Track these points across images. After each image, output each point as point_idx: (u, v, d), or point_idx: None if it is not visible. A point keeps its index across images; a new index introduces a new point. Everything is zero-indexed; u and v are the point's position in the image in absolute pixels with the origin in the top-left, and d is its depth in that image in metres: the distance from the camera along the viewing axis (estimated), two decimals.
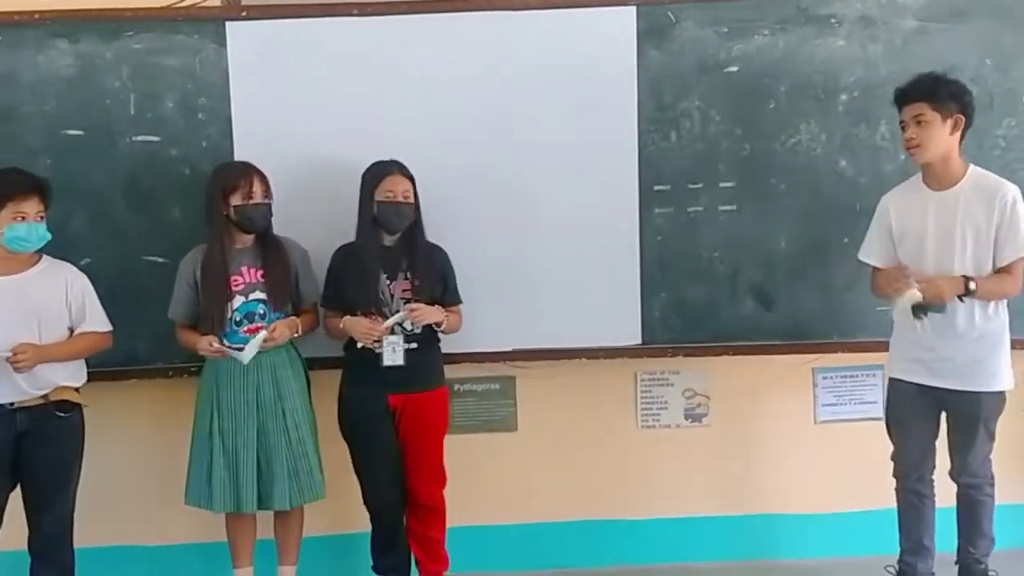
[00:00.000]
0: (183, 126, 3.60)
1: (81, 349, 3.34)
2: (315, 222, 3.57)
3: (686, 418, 3.99)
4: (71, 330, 3.32)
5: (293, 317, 3.44)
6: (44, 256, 3.34)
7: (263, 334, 3.34)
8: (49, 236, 3.28)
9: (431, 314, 3.40)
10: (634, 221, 3.69)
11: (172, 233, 3.62)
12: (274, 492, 3.41)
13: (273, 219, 3.45)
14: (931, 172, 3.32)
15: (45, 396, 3.27)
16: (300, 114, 3.61)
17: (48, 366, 3.23)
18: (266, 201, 3.40)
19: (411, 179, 3.44)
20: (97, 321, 3.36)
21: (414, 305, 3.38)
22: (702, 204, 3.71)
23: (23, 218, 3.20)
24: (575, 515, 4.00)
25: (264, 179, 3.42)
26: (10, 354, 3.12)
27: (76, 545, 3.46)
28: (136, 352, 3.66)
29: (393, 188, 3.40)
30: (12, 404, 3.23)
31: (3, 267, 3.25)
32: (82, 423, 3.40)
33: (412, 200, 3.43)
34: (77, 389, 3.36)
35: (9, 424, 3.24)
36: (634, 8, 3.60)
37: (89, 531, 3.63)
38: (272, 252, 3.43)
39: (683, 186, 3.68)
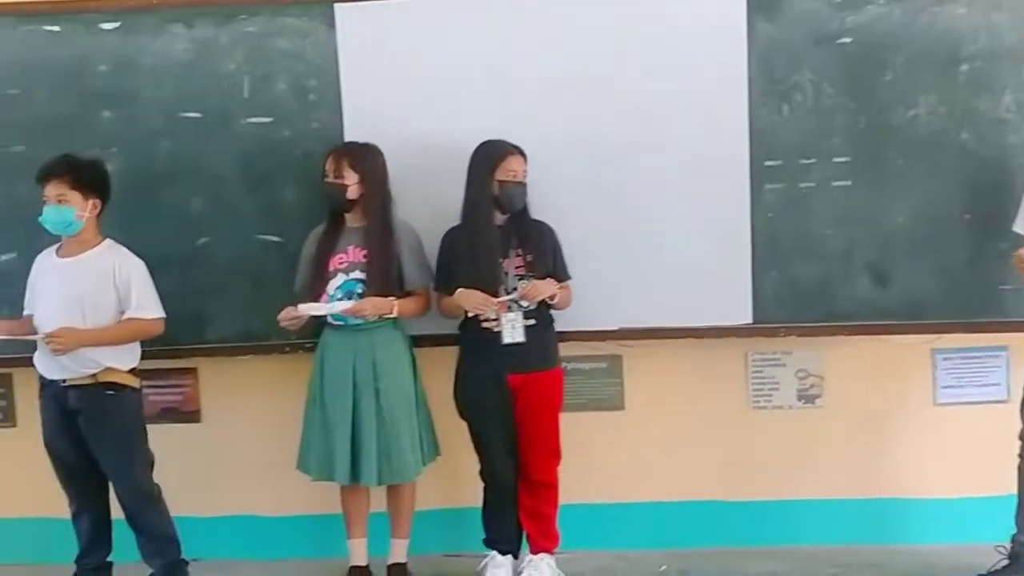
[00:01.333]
0: (294, 108, 3.67)
1: (125, 335, 3.38)
2: (425, 203, 3.59)
3: (799, 399, 3.91)
4: (121, 314, 3.38)
5: (391, 298, 3.45)
6: (106, 240, 3.41)
7: (348, 303, 3.39)
8: (70, 219, 3.31)
9: (545, 288, 3.42)
10: (745, 197, 3.62)
11: (285, 213, 3.71)
12: (363, 468, 3.46)
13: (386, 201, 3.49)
14: None
15: (94, 376, 3.35)
16: (409, 94, 3.64)
17: (94, 348, 3.31)
18: (334, 181, 3.44)
19: (525, 158, 3.48)
20: (145, 307, 3.38)
21: (528, 284, 3.40)
22: (815, 179, 3.61)
23: (46, 201, 3.31)
24: (683, 495, 3.96)
25: (340, 160, 3.45)
26: (45, 336, 3.24)
27: (195, 514, 3.65)
28: (252, 329, 3.75)
29: (515, 168, 3.45)
30: (64, 381, 3.35)
31: (65, 249, 3.40)
32: (137, 402, 3.47)
33: (525, 180, 3.47)
34: (130, 371, 3.42)
35: (62, 400, 3.36)
36: None
37: (208, 501, 3.79)
38: (376, 233, 3.46)
39: (795, 161, 3.59)
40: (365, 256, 3.46)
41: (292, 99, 3.66)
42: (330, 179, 3.45)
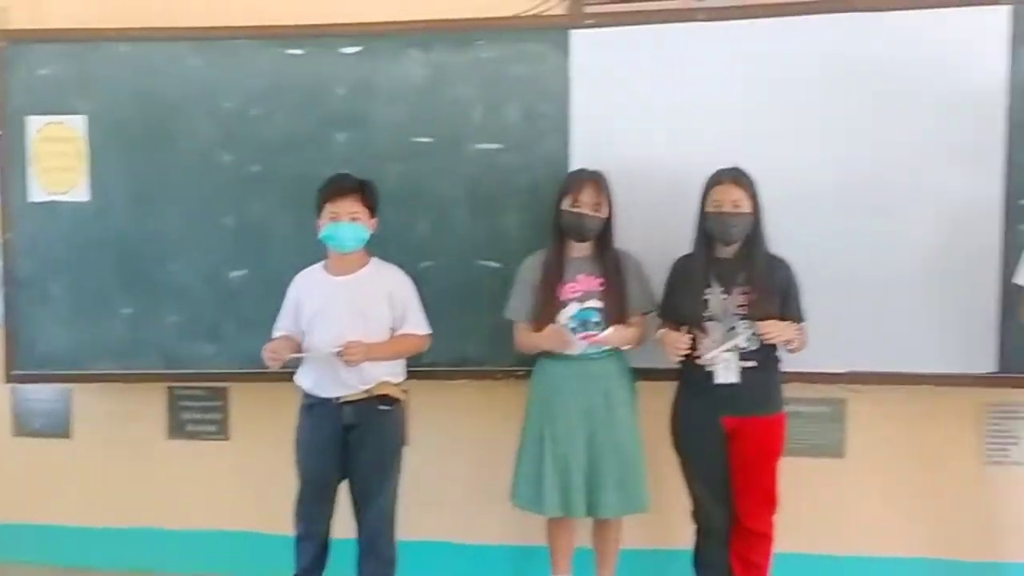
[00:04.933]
0: (524, 133, 3.66)
1: (402, 349, 3.45)
2: (651, 230, 3.52)
3: None
4: (392, 330, 3.44)
5: (635, 328, 3.41)
6: (373, 258, 3.48)
7: (609, 331, 3.33)
8: (364, 237, 3.39)
9: (783, 331, 3.23)
10: (995, 237, 3.42)
11: (507, 239, 3.69)
12: (601, 500, 3.39)
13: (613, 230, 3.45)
14: None
15: (368, 391, 3.40)
16: (638, 120, 3.58)
17: (371, 363, 3.36)
18: (592, 214, 3.38)
19: (746, 188, 3.30)
20: (417, 323, 3.46)
21: (768, 323, 3.23)
22: None
23: (334, 218, 3.34)
24: (908, 552, 3.75)
25: (598, 190, 3.40)
26: (341, 350, 3.27)
27: (400, 538, 3.57)
28: (467, 353, 3.74)
29: (720, 198, 3.29)
30: (339, 398, 3.39)
31: (336, 267, 3.44)
32: (402, 418, 3.51)
33: (745, 210, 3.29)
34: (398, 385, 3.48)
35: (337, 417, 3.39)
36: (1008, 8, 3.34)
37: (413, 525, 3.76)
38: (611, 262, 3.42)
39: None
40: (602, 284, 3.41)
41: (522, 125, 3.65)
42: (588, 211, 3.38)
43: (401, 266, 3.53)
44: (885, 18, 3.43)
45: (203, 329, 3.84)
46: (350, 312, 3.38)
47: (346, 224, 3.36)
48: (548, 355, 3.46)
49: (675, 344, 3.27)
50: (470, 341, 3.73)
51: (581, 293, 3.42)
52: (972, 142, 3.41)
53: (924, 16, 3.40)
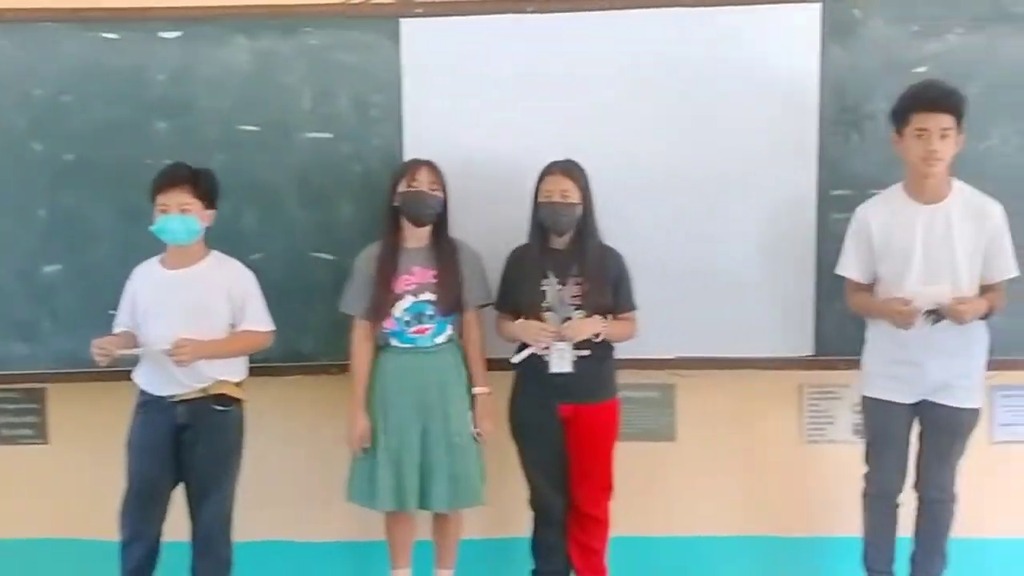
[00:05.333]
0: (355, 123, 3.60)
1: (240, 347, 3.35)
2: (486, 222, 3.53)
3: (854, 433, 3.82)
4: (232, 327, 3.33)
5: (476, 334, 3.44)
6: (212, 252, 3.36)
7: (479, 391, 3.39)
8: (196, 229, 3.28)
9: (585, 329, 3.31)
10: (811, 226, 3.57)
11: (341, 230, 3.63)
12: (433, 494, 3.39)
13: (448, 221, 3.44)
14: (926, 185, 3.23)
15: (204, 390, 3.29)
16: (472, 112, 3.58)
17: (207, 361, 3.25)
18: (431, 192, 3.36)
19: (576, 179, 3.35)
20: (258, 320, 3.36)
21: (568, 324, 3.31)
22: None
23: (164, 210, 3.23)
24: (736, 530, 3.88)
25: (434, 172, 3.38)
26: (170, 348, 3.15)
27: (235, 539, 3.48)
28: (301, 348, 3.67)
29: (551, 189, 3.34)
30: (172, 397, 3.27)
31: (173, 261, 3.32)
32: (241, 418, 3.41)
33: (574, 200, 3.34)
34: (238, 384, 3.38)
35: (169, 416, 3.28)
36: (819, 5, 3.48)
37: (248, 525, 3.66)
38: (446, 253, 3.41)
39: (864, 191, 3.49)
40: (434, 277, 3.39)
41: (353, 114, 3.59)
42: (424, 189, 3.35)
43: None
44: (707, 14, 3.54)
45: (15, 328, 3.65)
46: (183, 308, 3.26)
47: (175, 216, 3.23)
48: (382, 348, 3.43)
49: (538, 332, 3.30)
50: (304, 335, 3.66)
51: (415, 286, 3.40)
52: (788, 135, 3.55)
53: (741, 13, 3.52)
